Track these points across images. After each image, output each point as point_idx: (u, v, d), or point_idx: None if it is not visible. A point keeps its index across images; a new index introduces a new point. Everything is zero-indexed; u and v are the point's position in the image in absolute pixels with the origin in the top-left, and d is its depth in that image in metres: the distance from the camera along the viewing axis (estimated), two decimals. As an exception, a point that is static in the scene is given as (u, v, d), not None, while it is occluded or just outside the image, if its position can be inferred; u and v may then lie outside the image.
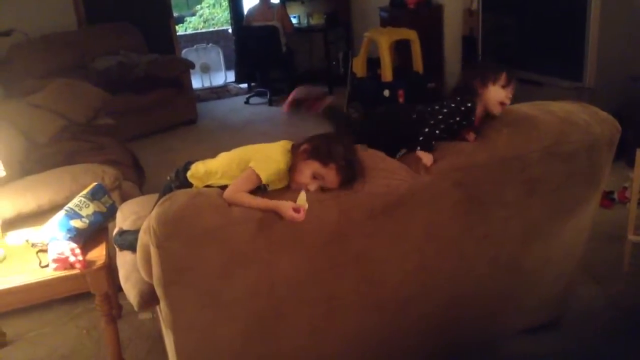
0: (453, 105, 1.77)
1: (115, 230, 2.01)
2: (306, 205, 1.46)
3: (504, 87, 1.78)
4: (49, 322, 2.47)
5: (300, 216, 1.44)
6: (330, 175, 1.53)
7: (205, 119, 5.71)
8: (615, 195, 3.04)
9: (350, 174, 1.56)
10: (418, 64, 4.73)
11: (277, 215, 1.44)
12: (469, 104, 1.76)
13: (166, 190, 1.69)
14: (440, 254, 1.74)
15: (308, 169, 1.54)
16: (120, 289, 1.79)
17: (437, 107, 1.80)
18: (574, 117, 1.75)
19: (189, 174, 1.69)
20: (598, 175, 1.79)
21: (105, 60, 5.16)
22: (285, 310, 1.60)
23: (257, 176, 1.51)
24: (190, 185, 1.67)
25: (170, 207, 1.38)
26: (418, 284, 1.76)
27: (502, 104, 1.78)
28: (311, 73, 6.86)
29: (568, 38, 3.63)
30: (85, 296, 2.01)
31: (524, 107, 1.84)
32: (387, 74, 4.58)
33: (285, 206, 1.44)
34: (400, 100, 4.49)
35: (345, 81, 5.58)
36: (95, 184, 2.18)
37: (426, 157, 1.65)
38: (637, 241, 2.16)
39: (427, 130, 1.73)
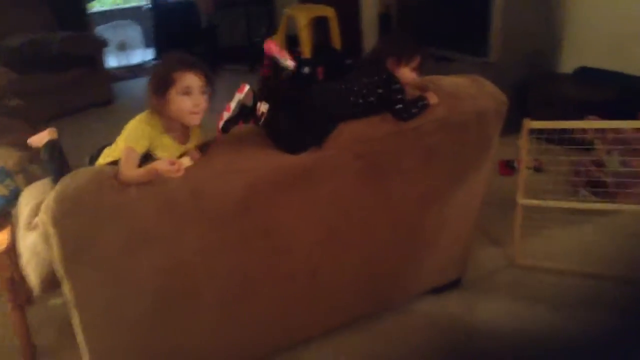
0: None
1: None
2: (188, 163, 1.48)
3: (413, 69, 1.84)
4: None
5: (174, 169, 1.42)
6: (189, 79, 1.53)
7: (123, 98, 5.54)
8: (516, 164, 3.22)
9: (192, 60, 1.56)
10: (336, 41, 4.80)
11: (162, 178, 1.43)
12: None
13: None
14: (346, 222, 1.81)
15: (173, 96, 1.54)
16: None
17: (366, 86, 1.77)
18: (461, 90, 1.86)
19: (100, 159, 1.69)
20: (487, 144, 1.92)
21: (16, 38, 4.90)
22: (194, 286, 1.62)
23: (132, 149, 1.50)
24: None
25: (70, 185, 1.38)
26: (327, 253, 1.83)
27: (407, 84, 1.84)
28: (234, 50, 6.77)
29: (474, 16, 3.79)
30: (-9, 282, 1.95)
31: (418, 83, 1.92)
32: (306, 50, 4.62)
33: (160, 163, 1.43)
34: (320, 77, 4.54)
35: (267, 58, 5.54)
36: (-4, 167, 2.11)
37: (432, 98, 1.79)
38: (527, 204, 2.33)
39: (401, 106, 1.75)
